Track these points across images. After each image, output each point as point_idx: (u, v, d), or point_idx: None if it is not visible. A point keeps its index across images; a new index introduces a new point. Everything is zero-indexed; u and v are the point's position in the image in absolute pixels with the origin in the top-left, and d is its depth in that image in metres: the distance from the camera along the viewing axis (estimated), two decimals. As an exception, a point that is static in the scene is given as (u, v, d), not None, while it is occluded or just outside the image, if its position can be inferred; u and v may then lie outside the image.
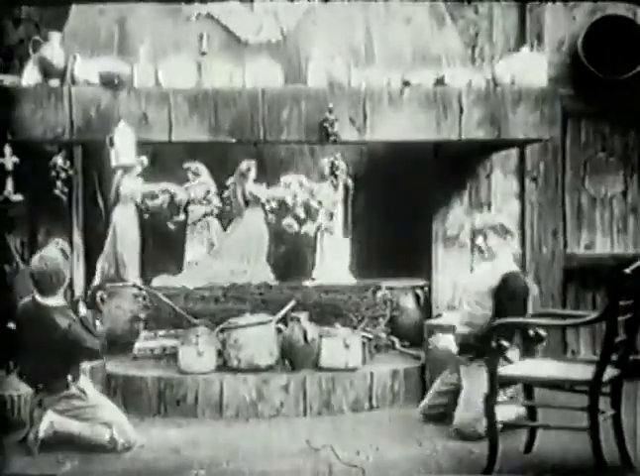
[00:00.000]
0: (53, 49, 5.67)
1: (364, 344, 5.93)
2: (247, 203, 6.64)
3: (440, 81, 5.83)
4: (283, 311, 6.03)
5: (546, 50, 6.62)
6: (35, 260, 4.82)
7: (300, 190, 6.57)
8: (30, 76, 5.65)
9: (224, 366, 5.77)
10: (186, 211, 6.65)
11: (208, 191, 6.62)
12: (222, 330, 5.84)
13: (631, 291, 4.22)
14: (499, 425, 4.40)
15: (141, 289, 6.37)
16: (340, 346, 5.75)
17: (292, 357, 5.79)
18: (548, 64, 6.03)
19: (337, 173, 6.47)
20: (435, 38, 6.33)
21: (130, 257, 6.58)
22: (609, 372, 4.25)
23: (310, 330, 5.82)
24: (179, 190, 6.62)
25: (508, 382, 4.58)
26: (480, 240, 5.20)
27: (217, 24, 6.26)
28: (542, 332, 4.85)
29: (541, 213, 6.75)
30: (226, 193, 6.70)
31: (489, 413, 4.37)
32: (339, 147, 6.31)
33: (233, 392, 5.55)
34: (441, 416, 5.19)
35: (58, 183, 5.93)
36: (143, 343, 6.17)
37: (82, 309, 4.84)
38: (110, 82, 5.58)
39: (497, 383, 4.39)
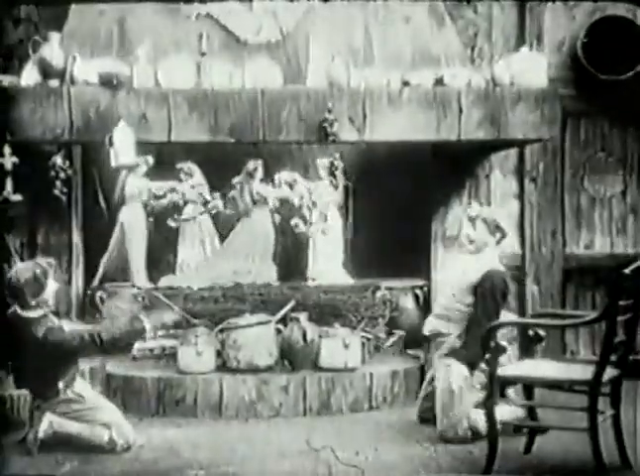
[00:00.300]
0: (53, 49, 5.67)
1: (363, 344, 5.93)
2: (254, 203, 6.66)
3: (439, 81, 5.83)
4: (283, 312, 6.03)
5: (545, 50, 6.62)
6: (10, 273, 4.80)
7: (295, 189, 6.59)
8: (29, 76, 5.64)
9: (223, 366, 5.77)
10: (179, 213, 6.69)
11: (201, 194, 6.64)
12: (221, 331, 5.84)
13: (631, 291, 4.21)
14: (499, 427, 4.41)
15: (140, 288, 6.37)
16: (339, 346, 5.75)
17: (292, 357, 5.79)
18: (547, 65, 6.03)
19: (336, 173, 6.47)
20: (434, 38, 6.33)
21: (138, 257, 6.59)
22: (609, 372, 4.24)
23: (310, 330, 5.82)
24: (188, 189, 6.64)
25: (508, 382, 4.59)
26: (469, 229, 5.11)
27: (216, 24, 6.26)
28: (541, 332, 4.84)
29: (540, 213, 6.75)
30: (232, 193, 6.70)
31: (489, 413, 4.37)
32: (337, 146, 6.30)
33: (232, 392, 5.55)
34: (434, 418, 5.17)
35: (58, 184, 5.92)
36: (142, 343, 6.16)
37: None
38: (109, 82, 5.58)
39: (497, 383, 4.40)
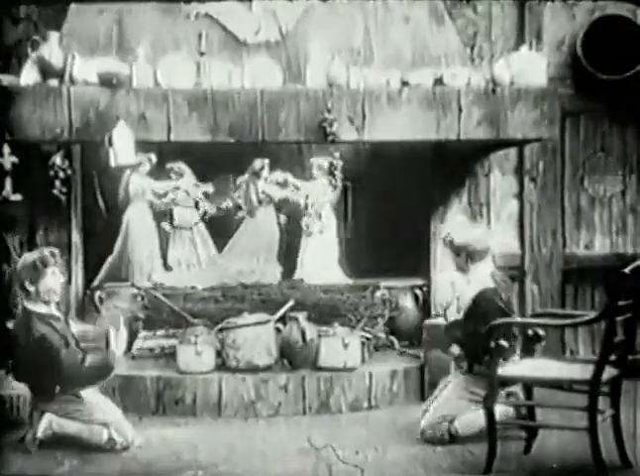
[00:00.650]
0: (52, 48, 5.66)
1: (362, 344, 5.93)
2: (259, 202, 6.66)
3: (439, 81, 5.83)
4: (282, 311, 6.03)
5: (545, 49, 6.61)
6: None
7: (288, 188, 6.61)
8: (28, 76, 5.64)
9: (223, 366, 5.76)
10: (171, 215, 6.68)
11: (195, 199, 6.65)
12: (221, 330, 5.83)
13: (630, 291, 4.21)
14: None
15: (139, 288, 6.37)
16: (339, 346, 5.75)
17: (291, 357, 5.79)
18: (547, 64, 6.03)
19: (336, 172, 6.47)
20: (434, 37, 6.33)
21: (141, 256, 6.59)
22: (608, 372, 4.25)
23: (309, 330, 5.82)
24: (192, 188, 6.64)
25: (508, 382, 4.59)
26: (460, 257, 4.94)
27: (216, 24, 6.25)
28: (541, 332, 4.83)
29: (540, 213, 6.74)
30: (237, 193, 6.70)
31: (489, 413, 4.38)
32: (337, 146, 6.30)
33: (231, 391, 5.55)
34: None
35: (57, 183, 5.93)
36: (141, 343, 6.17)
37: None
38: (109, 82, 5.58)
39: (497, 383, 4.40)
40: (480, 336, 4.56)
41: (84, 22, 6.19)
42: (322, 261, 6.62)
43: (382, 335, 6.31)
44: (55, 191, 5.94)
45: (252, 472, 4.49)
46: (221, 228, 6.79)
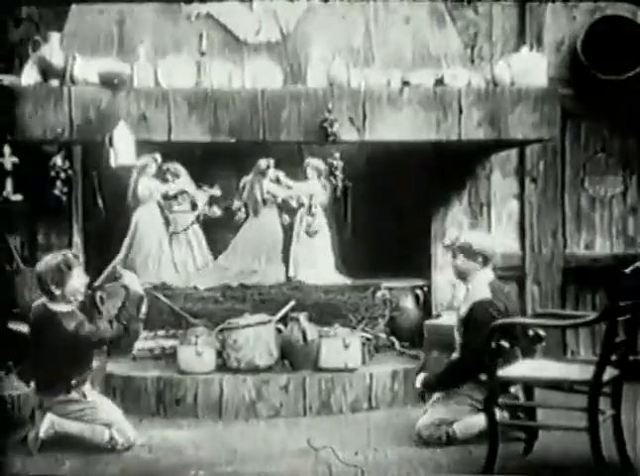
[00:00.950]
0: (53, 48, 5.66)
1: (363, 344, 5.93)
2: (264, 202, 6.66)
3: (439, 81, 5.83)
4: (283, 312, 6.03)
5: (546, 50, 6.61)
6: (38, 263, 4.90)
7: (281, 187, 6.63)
8: (29, 76, 5.64)
9: (223, 366, 5.77)
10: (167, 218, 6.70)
11: (192, 202, 6.66)
12: (221, 330, 5.84)
13: (631, 291, 4.21)
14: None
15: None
16: (339, 346, 5.75)
17: (292, 357, 5.79)
18: (548, 65, 6.03)
19: (336, 173, 6.46)
20: (434, 38, 6.33)
21: (147, 256, 6.59)
22: (609, 372, 4.24)
23: (309, 330, 5.82)
24: (197, 192, 6.65)
25: (508, 383, 4.59)
26: (455, 259, 4.95)
27: (216, 24, 6.25)
28: (541, 333, 4.84)
29: (540, 214, 6.74)
30: (243, 193, 6.70)
31: (489, 413, 4.38)
32: (337, 146, 6.30)
33: (232, 392, 5.55)
34: None
35: (58, 183, 5.93)
36: (142, 343, 6.17)
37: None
38: (109, 82, 5.57)
39: (498, 384, 4.40)
40: (478, 345, 4.54)
41: (85, 22, 6.19)
42: (316, 261, 6.62)
43: (383, 336, 6.32)
44: (56, 192, 5.94)
45: (252, 472, 4.50)
46: (217, 229, 6.81)
